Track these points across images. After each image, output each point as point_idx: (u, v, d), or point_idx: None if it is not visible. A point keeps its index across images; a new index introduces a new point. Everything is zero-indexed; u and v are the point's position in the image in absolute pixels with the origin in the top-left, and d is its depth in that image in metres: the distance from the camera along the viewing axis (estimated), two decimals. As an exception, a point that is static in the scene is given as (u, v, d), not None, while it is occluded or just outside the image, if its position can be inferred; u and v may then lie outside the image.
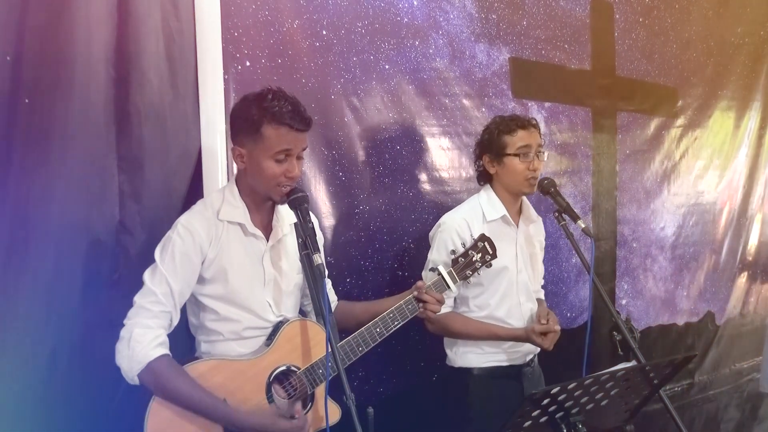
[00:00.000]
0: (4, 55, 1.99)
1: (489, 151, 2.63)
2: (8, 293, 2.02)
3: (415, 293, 2.18)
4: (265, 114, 1.96)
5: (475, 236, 2.45)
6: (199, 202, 2.10)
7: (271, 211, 2.15)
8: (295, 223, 2.18)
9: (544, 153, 2.62)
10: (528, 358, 2.69)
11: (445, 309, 2.58)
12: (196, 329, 2.11)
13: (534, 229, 2.77)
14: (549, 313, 2.63)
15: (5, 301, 2.01)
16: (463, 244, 2.31)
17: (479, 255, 2.29)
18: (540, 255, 2.81)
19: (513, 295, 2.65)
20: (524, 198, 2.74)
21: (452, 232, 2.56)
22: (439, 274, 2.22)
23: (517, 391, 2.63)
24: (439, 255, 2.55)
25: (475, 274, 2.30)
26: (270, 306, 2.11)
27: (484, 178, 2.70)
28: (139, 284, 1.98)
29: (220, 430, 1.96)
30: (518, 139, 2.57)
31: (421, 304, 2.18)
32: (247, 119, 1.98)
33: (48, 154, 2.08)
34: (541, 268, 2.82)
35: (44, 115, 2.07)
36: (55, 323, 2.10)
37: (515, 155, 2.56)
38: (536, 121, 2.66)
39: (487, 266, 2.32)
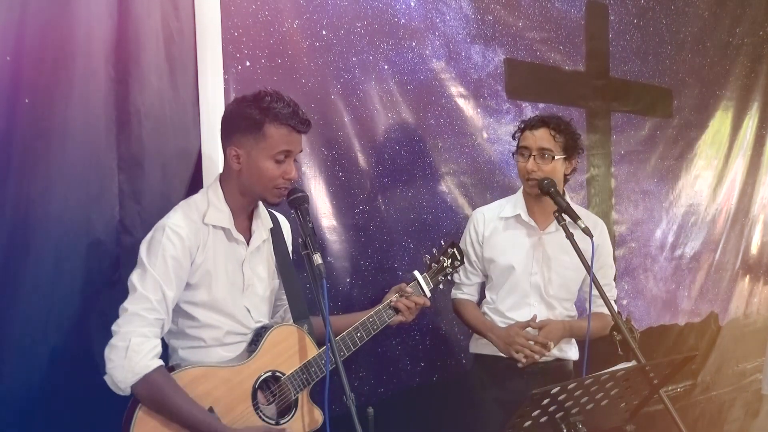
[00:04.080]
0: (4, 55, 1.99)
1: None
2: (8, 293, 2.01)
3: (393, 299, 2.24)
4: (268, 114, 1.96)
5: (487, 231, 2.65)
6: (183, 204, 2.06)
7: (251, 215, 2.14)
8: (271, 228, 2.18)
9: (548, 157, 2.59)
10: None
11: (460, 295, 2.78)
12: (173, 335, 2.05)
13: (577, 234, 2.50)
14: (549, 332, 2.59)
15: (5, 301, 2.00)
16: (435, 250, 2.41)
17: (449, 261, 2.40)
18: (575, 264, 2.56)
19: (520, 294, 2.67)
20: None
21: (471, 225, 2.76)
22: (415, 279, 2.31)
23: (518, 385, 2.61)
24: (462, 243, 2.72)
25: (447, 278, 2.41)
26: (248, 312, 2.09)
27: None
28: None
29: None
30: (522, 139, 2.66)
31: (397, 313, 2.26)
32: (248, 119, 1.98)
33: (48, 154, 2.08)
34: (572, 277, 2.71)
35: (44, 115, 2.07)
36: (55, 323, 2.09)
37: (517, 154, 2.67)
38: (554, 121, 2.62)
39: (456, 272, 2.46)
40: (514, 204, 2.73)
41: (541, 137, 2.60)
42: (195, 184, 2.41)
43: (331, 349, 1.89)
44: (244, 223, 2.12)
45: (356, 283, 2.83)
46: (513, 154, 2.72)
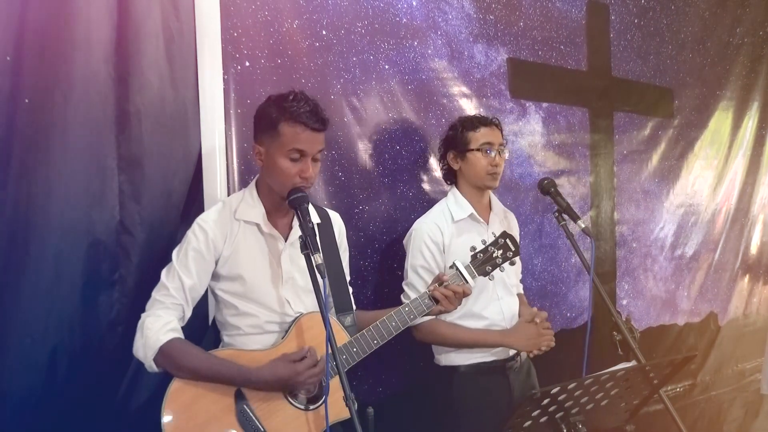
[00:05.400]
0: (4, 55, 2.00)
1: (453, 147, 2.71)
2: (8, 293, 2.02)
3: (431, 288, 2.21)
4: (284, 113, 2.02)
5: (446, 239, 2.59)
6: (219, 202, 2.17)
7: (292, 210, 2.16)
8: (318, 224, 2.22)
9: (505, 151, 2.70)
10: (512, 352, 2.69)
11: (429, 316, 2.54)
12: (221, 325, 2.17)
13: (506, 224, 2.82)
14: (538, 313, 2.65)
15: (5, 301, 2.01)
16: (484, 241, 2.34)
17: (500, 251, 2.33)
18: None
19: (490, 290, 2.68)
20: (492, 194, 2.80)
21: (425, 237, 2.62)
22: (457, 269, 2.26)
23: (504, 387, 2.66)
24: (415, 260, 2.62)
25: (497, 269, 2.33)
26: (288, 303, 2.14)
27: (449, 177, 2.79)
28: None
29: (234, 418, 1.98)
30: (481, 135, 2.65)
31: (436, 303, 2.22)
32: (267, 117, 2.05)
33: (48, 154, 2.09)
34: (518, 263, 2.85)
35: (44, 115, 2.08)
36: (55, 323, 2.10)
37: (478, 150, 2.65)
38: (498, 121, 2.74)
39: (510, 263, 2.36)
40: (458, 205, 2.70)
41: (498, 134, 2.69)
42: (195, 184, 2.41)
43: (333, 353, 1.88)
44: (284, 218, 2.18)
45: (356, 283, 2.81)
46: (466, 151, 2.65)
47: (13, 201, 2.03)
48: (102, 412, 2.12)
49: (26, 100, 2.04)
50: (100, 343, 2.15)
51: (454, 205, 2.71)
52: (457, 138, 2.69)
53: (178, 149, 2.38)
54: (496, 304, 2.69)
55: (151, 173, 2.30)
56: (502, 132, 2.73)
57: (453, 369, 2.66)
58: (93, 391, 2.12)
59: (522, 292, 2.94)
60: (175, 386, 1.96)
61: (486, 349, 2.66)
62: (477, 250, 2.31)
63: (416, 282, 2.60)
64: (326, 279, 1.91)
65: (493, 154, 2.64)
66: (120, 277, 2.23)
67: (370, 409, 2.07)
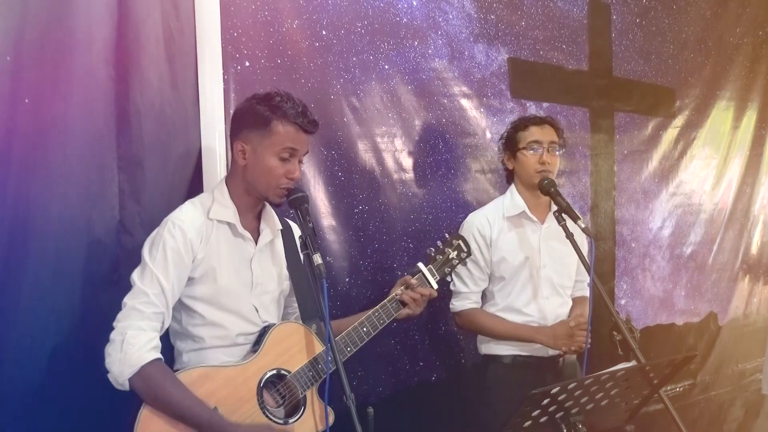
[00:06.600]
0: (4, 55, 1.99)
1: (507, 148, 2.78)
2: (8, 293, 2.01)
3: (399, 292, 2.22)
4: (276, 111, 2.00)
5: (494, 233, 2.65)
6: (188, 202, 2.08)
7: (259, 215, 2.15)
8: (282, 231, 2.19)
9: (558, 150, 2.74)
10: (550, 353, 2.71)
11: (470, 305, 2.74)
12: (178, 336, 2.06)
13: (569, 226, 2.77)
14: (577, 316, 2.68)
15: (5, 300, 2.00)
16: (439, 243, 2.39)
17: (455, 253, 2.38)
18: (572, 252, 2.76)
19: (534, 287, 2.72)
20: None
21: (473, 230, 2.72)
22: (420, 271, 2.29)
23: (538, 383, 2.63)
24: None
25: (453, 271, 2.40)
26: (256, 310, 2.09)
27: (509, 177, 2.84)
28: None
29: None
30: (529, 134, 2.71)
31: (404, 306, 2.23)
32: (257, 115, 2.01)
33: (48, 154, 2.08)
34: (572, 265, 2.83)
35: (44, 115, 2.07)
36: (55, 323, 2.09)
37: (525, 149, 2.69)
38: (554, 120, 2.79)
39: (462, 264, 2.42)
40: (512, 202, 2.76)
41: (549, 132, 2.72)
42: (195, 184, 2.41)
43: (332, 349, 1.89)
44: (253, 222, 2.13)
45: (355, 283, 2.83)
46: (516, 151, 2.72)
47: (13, 201, 2.02)
48: (101, 412, 2.12)
49: (26, 100, 2.03)
50: (100, 343, 2.14)
51: (509, 201, 2.77)
52: (510, 138, 2.77)
53: (178, 149, 2.37)
54: (540, 302, 2.73)
55: (151, 173, 2.29)
56: (557, 131, 2.76)
57: (490, 358, 2.76)
58: (93, 391, 2.11)
59: (585, 294, 2.89)
60: (146, 413, 1.85)
61: (525, 344, 2.70)
62: (434, 252, 2.35)
63: (462, 272, 2.67)
64: (325, 280, 1.91)
65: (540, 151, 2.68)
66: (120, 277, 2.22)
67: (370, 409, 2.07)
